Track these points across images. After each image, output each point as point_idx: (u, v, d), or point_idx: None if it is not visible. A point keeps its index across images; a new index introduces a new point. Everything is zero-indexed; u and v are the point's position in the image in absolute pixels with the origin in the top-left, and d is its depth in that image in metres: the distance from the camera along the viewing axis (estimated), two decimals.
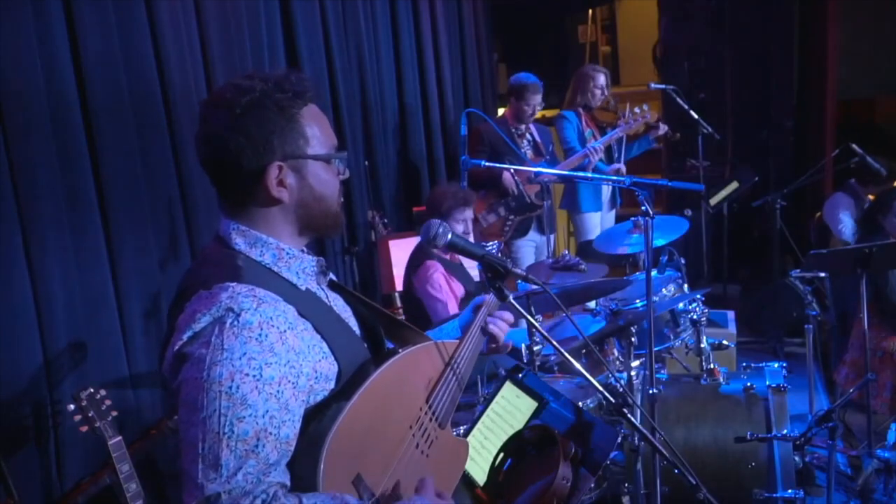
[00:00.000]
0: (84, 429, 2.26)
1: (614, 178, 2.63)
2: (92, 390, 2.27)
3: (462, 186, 3.47)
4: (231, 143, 1.28)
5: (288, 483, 1.23)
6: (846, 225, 4.44)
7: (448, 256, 3.46)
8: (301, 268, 1.37)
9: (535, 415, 1.75)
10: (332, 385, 1.33)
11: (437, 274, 3.36)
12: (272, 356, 1.21)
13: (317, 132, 1.34)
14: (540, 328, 1.71)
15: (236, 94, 1.29)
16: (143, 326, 2.90)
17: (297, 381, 1.25)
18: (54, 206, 2.56)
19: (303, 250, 1.40)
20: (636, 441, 2.52)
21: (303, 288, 1.36)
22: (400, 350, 1.45)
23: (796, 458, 2.74)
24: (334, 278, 1.51)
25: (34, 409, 2.53)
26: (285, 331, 1.24)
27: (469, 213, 3.43)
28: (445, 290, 3.35)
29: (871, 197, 4.27)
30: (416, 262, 3.44)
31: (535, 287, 2.11)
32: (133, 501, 2.28)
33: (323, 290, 1.44)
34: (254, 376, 1.19)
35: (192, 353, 1.21)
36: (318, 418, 1.29)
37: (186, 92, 3.11)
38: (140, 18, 2.92)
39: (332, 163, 1.37)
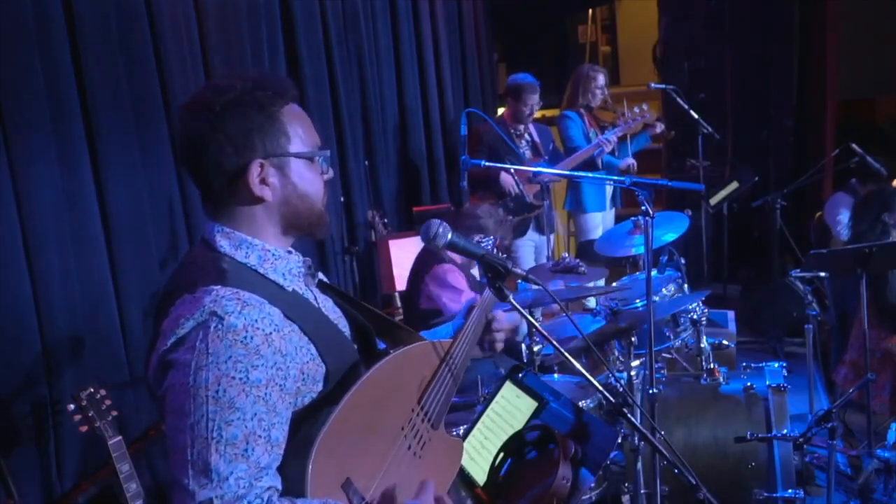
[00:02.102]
0: (84, 429, 2.25)
1: (614, 178, 2.62)
2: (92, 390, 2.26)
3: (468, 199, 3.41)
4: (211, 141, 1.27)
5: (280, 487, 1.21)
6: (845, 227, 4.43)
7: (460, 261, 3.35)
8: (287, 269, 1.35)
9: (535, 415, 1.74)
10: (319, 387, 1.31)
11: (455, 274, 3.26)
12: (258, 359, 1.19)
13: (298, 130, 1.33)
14: (540, 328, 1.71)
15: (215, 93, 1.28)
16: (143, 326, 2.89)
17: (285, 384, 1.23)
18: (54, 206, 2.56)
19: (289, 251, 1.38)
20: (636, 441, 2.52)
21: (289, 289, 1.33)
22: (391, 351, 1.43)
23: (796, 458, 2.74)
24: (324, 279, 1.49)
25: (34, 409, 2.53)
26: (271, 333, 1.22)
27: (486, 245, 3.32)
28: (463, 285, 3.25)
29: None
30: (428, 265, 3.32)
31: (535, 287, 2.10)
32: (133, 501, 2.28)
33: (311, 291, 1.41)
34: (240, 379, 1.17)
35: (177, 358, 1.19)
36: (307, 421, 1.27)
37: (186, 92, 3.11)
38: (140, 18, 2.92)
39: (316, 161, 1.36)
